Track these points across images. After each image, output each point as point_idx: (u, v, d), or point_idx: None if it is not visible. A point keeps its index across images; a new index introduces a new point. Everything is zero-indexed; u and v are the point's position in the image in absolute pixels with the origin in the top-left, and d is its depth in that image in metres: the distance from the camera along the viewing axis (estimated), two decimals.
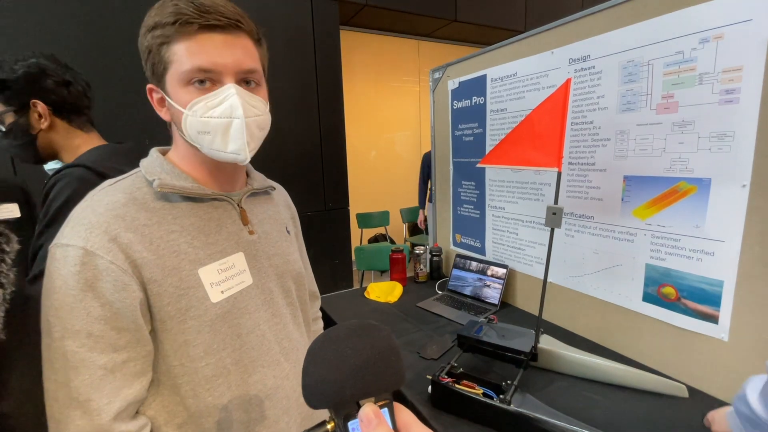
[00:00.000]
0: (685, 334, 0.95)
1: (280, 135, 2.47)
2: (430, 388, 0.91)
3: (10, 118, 0.89)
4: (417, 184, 3.51)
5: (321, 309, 1.50)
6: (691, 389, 0.91)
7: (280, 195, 0.80)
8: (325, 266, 2.84)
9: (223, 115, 0.53)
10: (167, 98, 0.54)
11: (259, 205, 0.69)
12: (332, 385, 0.29)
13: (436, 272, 1.77)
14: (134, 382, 0.51)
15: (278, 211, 0.74)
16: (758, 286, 0.82)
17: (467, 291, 1.55)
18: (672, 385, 0.91)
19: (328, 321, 1.41)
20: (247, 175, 0.71)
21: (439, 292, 1.61)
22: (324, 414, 0.30)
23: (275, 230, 0.70)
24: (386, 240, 4.27)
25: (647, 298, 1.03)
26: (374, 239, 4.49)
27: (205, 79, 0.52)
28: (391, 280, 1.72)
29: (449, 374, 0.90)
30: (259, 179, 0.72)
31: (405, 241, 4.31)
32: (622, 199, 1.05)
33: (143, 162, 0.59)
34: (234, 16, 0.53)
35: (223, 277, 0.58)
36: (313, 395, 0.29)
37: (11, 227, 0.66)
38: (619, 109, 1.03)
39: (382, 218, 4.12)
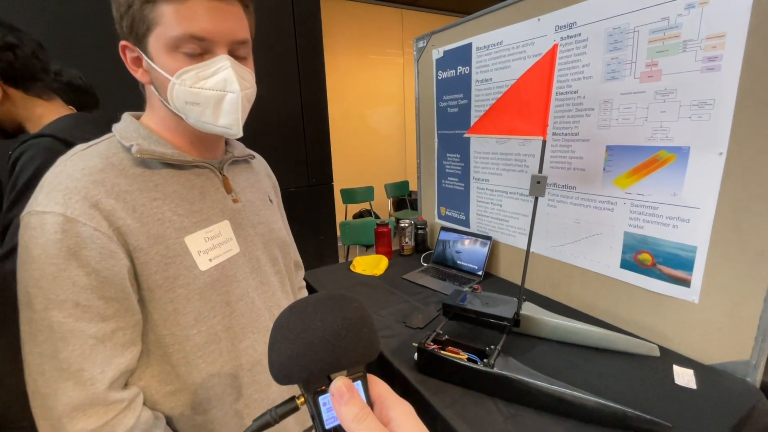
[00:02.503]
0: (659, 298, 1.00)
1: (260, 109, 2.36)
2: (416, 355, 0.93)
3: None
4: (400, 159, 3.48)
5: (307, 283, 1.51)
6: (662, 349, 0.96)
7: (261, 164, 0.78)
8: (311, 242, 2.83)
9: (216, 88, 0.52)
10: (148, 61, 0.51)
11: (241, 174, 0.68)
12: (301, 360, 0.27)
13: (422, 245, 1.79)
14: (124, 352, 0.51)
15: (259, 180, 0.73)
16: (728, 250, 0.86)
17: (452, 262, 1.57)
18: (644, 345, 0.96)
19: None
20: (227, 143, 0.68)
21: (425, 264, 1.63)
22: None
23: (258, 199, 0.69)
24: (371, 215, 4.26)
25: (624, 264, 1.06)
26: (359, 215, 4.49)
27: (196, 48, 0.50)
28: (377, 253, 1.73)
29: (435, 341, 0.92)
30: (239, 147, 0.71)
31: (390, 216, 4.32)
32: (604, 169, 1.06)
33: (116, 127, 0.56)
34: None
35: (210, 245, 0.57)
36: (280, 372, 0.28)
37: None
38: (603, 78, 1.03)
39: (367, 193, 4.10)
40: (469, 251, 1.53)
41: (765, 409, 0.81)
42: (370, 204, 4.27)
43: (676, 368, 0.90)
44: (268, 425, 0.28)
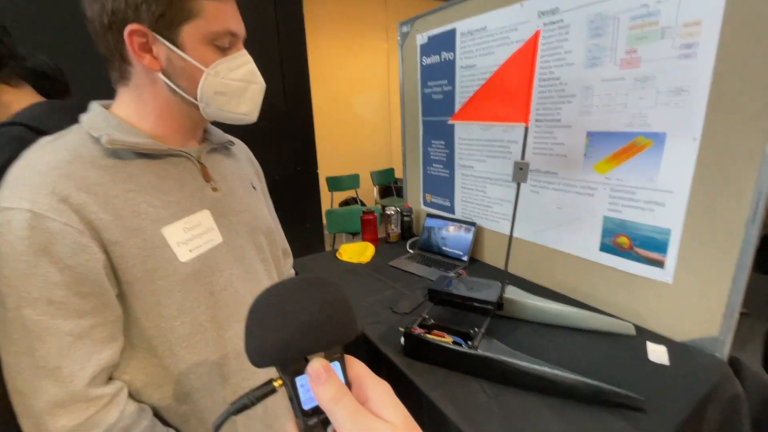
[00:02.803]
0: (635, 279, 1.03)
1: None
2: (402, 339, 0.95)
3: None
4: (386, 146, 3.47)
5: (295, 272, 1.51)
6: (637, 328, 1.00)
7: (242, 150, 0.77)
8: (297, 230, 2.82)
9: (243, 79, 0.57)
10: (175, 50, 0.51)
11: (221, 161, 0.67)
12: (277, 342, 0.27)
13: (407, 232, 1.80)
14: (104, 348, 0.50)
15: (241, 167, 0.72)
16: (701, 232, 0.90)
17: (437, 248, 1.59)
18: (621, 325, 1.00)
19: None
20: (205, 131, 0.67)
21: (411, 251, 1.65)
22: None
23: (240, 186, 0.68)
24: (357, 203, 4.26)
25: (603, 248, 1.10)
26: (345, 203, 4.47)
27: (226, 43, 0.54)
28: (363, 241, 1.73)
29: (421, 326, 0.94)
30: (217, 134, 0.70)
31: (376, 203, 4.32)
32: (585, 155, 1.09)
33: (84, 117, 0.55)
34: None
35: (190, 236, 0.56)
36: (257, 354, 0.28)
37: None
38: (585, 65, 1.04)
39: (352, 181, 4.08)
40: (454, 237, 1.55)
41: (731, 381, 0.86)
42: (356, 192, 4.26)
43: (649, 345, 0.94)
44: (245, 408, 0.28)
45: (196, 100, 0.55)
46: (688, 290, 0.94)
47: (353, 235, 3.02)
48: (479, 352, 0.84)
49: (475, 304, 0.98)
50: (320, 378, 0.26)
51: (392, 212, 1.76)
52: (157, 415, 0.56)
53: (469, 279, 1.08)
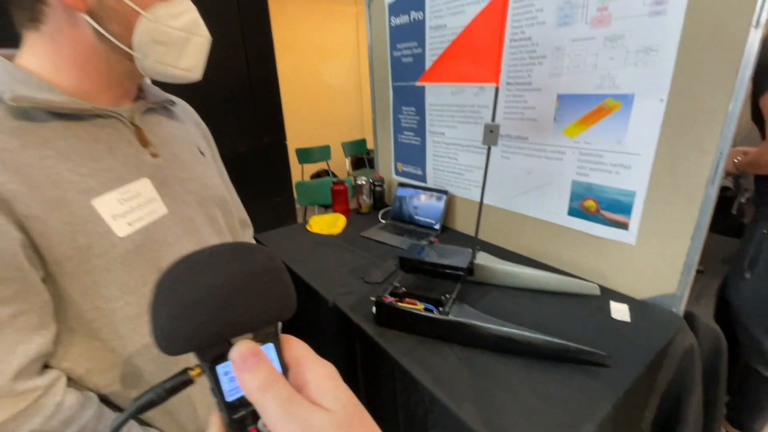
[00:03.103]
0: (601, 242, 1.06)
1: None
2: (374, 308, 0.93)
3: None
4: (357, 116, 3.38)
5: (262, 246, 1.46)
6: (602, 288, 1.04)
7: (186, 112, 0.70)
8: (267, 204, 2.73)
9: (185, 29, 0.51)
10: None
11: (160, 124, 0.60)
12: (189, 323, 0.22)
13: (379, 202, 1.77)
14: (32, 336, 0.44)
15: (186, 130, 0.65)
16: (664, 194, 0.91)
17: (410, 218, 1.57)
18: (586, 286, 1.03)
19: None
20: (140, 89, 0.59)
21: (383, 221, 1.62)
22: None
23: (186, 151, 0.61)
24: (329, 175, 4.17)
25: (572, 212, 1.11)
26: (316, 175, 4.38)
27: None
28: (334, 212, 1.69)
29: (392, 294, 0.93)
30: (155, 92, 0.62)
31: (348, 175, 4.25)
32: (555, 119, 1.07)
33: None
34: None
35: (128, 208, 0.50)
36: (167, 339, 0.23)
37: None
38: (556, 23, 1.01)
39: (323, 153, 3.98)
40: (426, 206, 1.54)
41: (686, 334, 0.90)
42: (328, 163, 4.17)
43: (612, 304, 0.97)
44: (153, 404, 0.24)
45: (131, 48, 0.48)
46: (650, 250, 0.97)
47: (325, 208, 2.96)
48: (450, 317, 0.84)
49: (446, 271, 0.98)
50: (246, 363, 0.22)
51: (363, 182, 1.72)
52: (107, 402, 0.52)
53: (440, 246, 1.08)
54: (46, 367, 0.48)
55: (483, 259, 1.09)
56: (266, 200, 2.71)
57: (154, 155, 0.55)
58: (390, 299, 0.91)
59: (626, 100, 0.93)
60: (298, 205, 2.87)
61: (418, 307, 0.89)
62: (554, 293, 1.03)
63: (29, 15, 0.46)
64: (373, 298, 0.92)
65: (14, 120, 0.44)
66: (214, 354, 0.23)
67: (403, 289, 0.95)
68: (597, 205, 1.05)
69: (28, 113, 0.45)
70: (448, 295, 0.89)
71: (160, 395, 0.24)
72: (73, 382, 0.50)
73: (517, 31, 1.10)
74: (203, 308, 0.22)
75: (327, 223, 1.56)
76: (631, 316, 0.93)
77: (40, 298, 0.45)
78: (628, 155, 0.95)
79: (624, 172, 0.97)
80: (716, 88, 0.79)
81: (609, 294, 1.03)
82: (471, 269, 1.00)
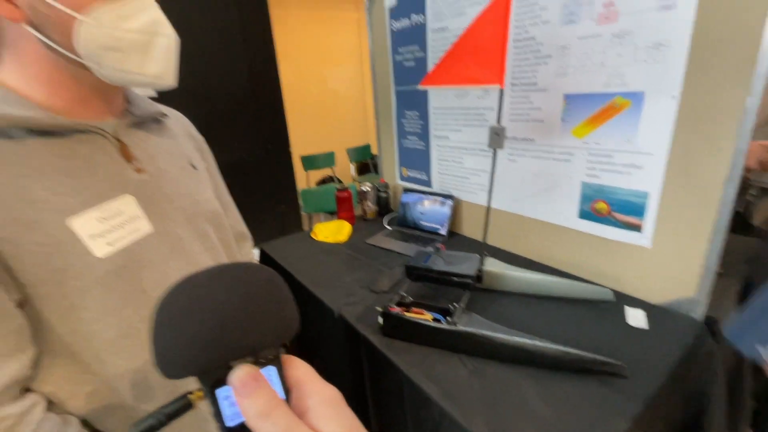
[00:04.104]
0: (614, 245, 1.02)
1: (203, 76, 2.16)
2: (380, 319, 0.91)
3: None
4: (361, 121, 3.37)
5: (267, 256, 1.44)
6: (616, 293, 1.00)
7: (179, 124, 0.67)
8: (272, 213, 2.72)
9: (143, 31, 0.46)
10: None
11: (147, 138, 0.57)
12: (189, 347, 0.22)
13: (384, 209, 1.75)
14: (8, 361, 0.42)
15: (177, 144, 0.63)
16: (680, 194, 0.88)
17: (416, 223, 1.55)
18: (600, 291, 0.99)
19: (276, 269, 1.35)
20: (128, 101, 0.57)
21: (388, 228, 1.60)
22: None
23: (175, 166, 0.59)
24: (334, 182, 4.16)
25: (582, 214, 1.07)
26: (322, 182, 4.37)
27: None
28: (339, 219, 1.67)
29: (399, 304, 0.91)
30: (143, 104, 0.59)
31: (353, 181, 4.24)
32: (562, 119, 1.05)
33: None
34: None
35: (108, 227, 0.48)
36: (167, 363, 0.23)
37: None
38: (561, 22, 0.98)
39: (328, 159, 3.98)
40: (432, 211, 1.51)
41: (707, 341, 0.86)
42: (333, 170, 4.16)
43: (628, 310, 0.94)
44: (153, 430, 0.23)
45: (80, 57, 0.44)
46: (666, 253, 0.93)
47: (331, 215, 2.95)
48: (459, 327, 0.82)
49: (454, 279, 0.95)
50: (246, 388, 0.22)
51: (368, 188, 1.70)
52: (89, 426, 0.50)
53: (447, 253, 1.05)
54: (28, 390, 0.46)
55: (491, 265, 1.06)
56: (271, 208, 2.71)
57: (139, 171, 0.53)
58: (397, 309, 0.88)
59: (636, 98, 0.90)
60: (303, 213, 2.86)
61: (426, 317, 0.86)
62: (566, 299, 1.00)
63: None
64: (379, 309, 0.90)
65: None
66: (214, 378, 0.23)
67: (410, 298, 0.92)
68: (608, 207, 1.01)
69: (4, 131, 0.43)
70: (456, 304, 0.86)
71: (161, 420, 0.24)
72: (55, 405, 0.48)
73: (520, 30, 1.07)
74: (201, 332, 0.23)
75: (332, 231, 1.54)
76: (649, 323, 0.89)
77: (14, 322, 0.43)
78: (640, 155, 0.92)
79: (636, 173, 0.94)
80: (732, 83, 0.75)
81: (624, 299, 0.99)
82: (479, 276, 0.97)
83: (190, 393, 0.24)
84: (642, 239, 0.96)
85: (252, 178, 2.57)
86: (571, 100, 1.01)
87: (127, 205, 0.50)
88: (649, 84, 0.87)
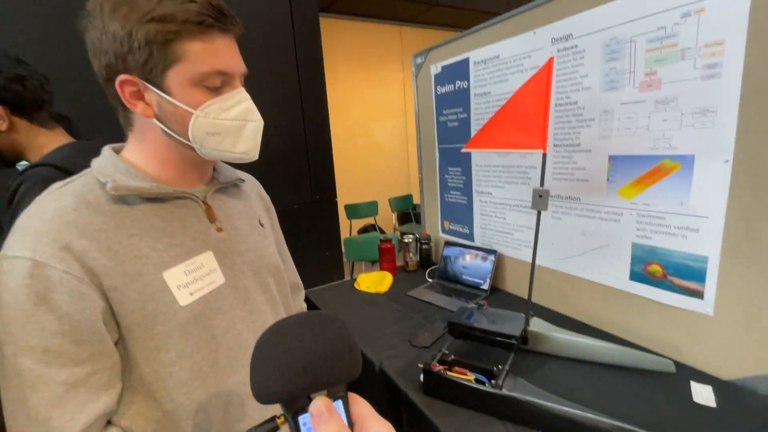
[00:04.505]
0: (672, 311, 0.96)
1: (264, 130, 2.40)
2: (422, 376, 0.90)
3: None
4: (404, 172, 3.49)
5: (311, 303, 1.49)
6: (678, 364, 0.92)
7: (252, 186, 0.77)
8: (315, 259, 2.82)
9: (238, 118, 0.56)
10: (163, 95, 0.51)
11: (228, 201, 0.67)
12: (281, 379, 0.28)
13: (426, 260, 1.77)
14: (101, 395, 0.49)
15: (249, 205, 0.72)
16: (742, 260, 0.83)
17: (457, 277, 1.54)
18: (659, 361, 0.92)
19: None
20: (214, 169, 0.68)
21: (430, 280, 1.61)
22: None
23: (246, 225, 0.67)
24: (376, 230, 4.25)
25: (634, 276, 1.03)
26: (364, 230, 4.48)
27: (217, 82, 0.53)
28: (381, 270, 1.71)
29: (441, 362, 0.90)
30: (227, 172, 0.70)
31: (395, 230, 4.31)
32: (608, 180, 1.05)
33: (95, 162, 0.56)
34: (237, 19, 0.54)
35: (191, 279, 0.55)
36: (262, 391, 0.29)
37: None
38: (602, 88, 1.02)
39: (371, 208, 4.10)
40: (474, 266, 1.51)
41: None
42: (375, 219, 4.27)
43: (694, 385, 0.86)
44: None
45: (190, 141, 0.55)
46: (732, 322, 0.86)
47: (372, 263, 2.99)
48: (503, 391, 0.79)
49: (498, 339, 0.93)
50: (322, 417, 0.26)
51: (410, 240, 1.74)
52: None
53: (490, 311, 1.04)
54: (109, 423, 0.51)
55: (537, 325, 1.03)
56: (315, 254, 2.80)
57: (219, 230, 0.61)
58: (439, 367, 0.88)
59: (686, 161, 0.89)
60: (345, 260, 2.93)
61: (469, 377, 0.84)
62: (621, 367, 0.94)
63: (124, 121, 0.57)
64: (421, 365, 0.90)
65: (113, 204, 0.52)
66: (297, 406, 0.28)
67: (453, 356, 0.91)
68: (663, 270, 0.97)
69: (124, 198, 0.53)
70: (500, 366, 0.84)
71: None
72: None
73: (561, 96, 1.12)
74: (292, 370, 0.28)
75: (374, 282, 1.58)
76: (717, 401, 0.81)
77: (110, 359, 0.50)
78: (695, 218, 0.89)
79: (691, 236, 0.91)
80: None
81: (686, 372, 0.91)
82: (525, 337, 0.95)
83: (277, 417, 0.29)
84: (703, 306, 0.90)
85: (300, 224, 2.71)
86: (616, 161, 1.02)
87: (207, 259, 0.58)
88: (699, 148, 0.86)
